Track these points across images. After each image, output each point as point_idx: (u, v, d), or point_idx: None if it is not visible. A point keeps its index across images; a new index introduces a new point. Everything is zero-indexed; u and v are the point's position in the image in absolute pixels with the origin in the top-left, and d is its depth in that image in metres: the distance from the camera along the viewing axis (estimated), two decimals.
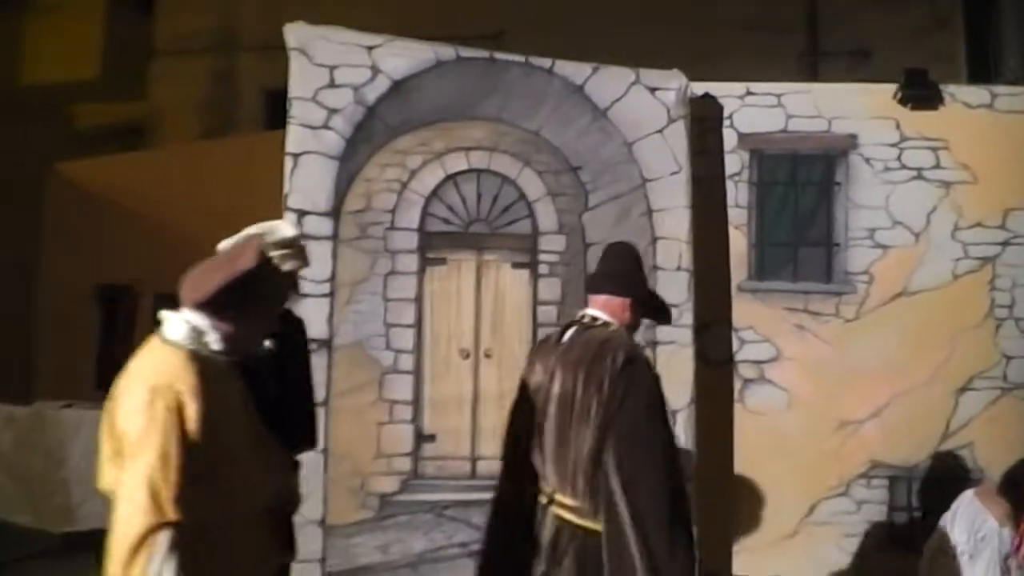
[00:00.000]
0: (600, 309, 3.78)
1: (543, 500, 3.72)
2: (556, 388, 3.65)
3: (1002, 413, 6.09)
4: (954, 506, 5.50)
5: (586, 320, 3.79)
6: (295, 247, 3.45)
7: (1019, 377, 6.12)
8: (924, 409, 5.96)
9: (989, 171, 6.15)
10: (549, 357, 3.78)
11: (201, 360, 2.83)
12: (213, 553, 2.74)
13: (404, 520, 5.54)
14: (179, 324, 2.90)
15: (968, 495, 5.47)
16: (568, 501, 3.61)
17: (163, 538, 2.59)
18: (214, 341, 2.92)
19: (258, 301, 3.00)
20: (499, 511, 4.00)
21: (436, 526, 5.58)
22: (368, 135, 5.56)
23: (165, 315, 2.92)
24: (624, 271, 3.83)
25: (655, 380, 3.58)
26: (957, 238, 6.14)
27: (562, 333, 3.83)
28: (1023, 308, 6.14)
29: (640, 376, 3.53)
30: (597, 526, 3.51)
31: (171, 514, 2.61)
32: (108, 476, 2.78)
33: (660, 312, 4.03)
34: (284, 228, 3.53)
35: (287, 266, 3.37)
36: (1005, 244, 6.15)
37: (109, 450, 2.80)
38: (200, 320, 2.90)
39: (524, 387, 3.87)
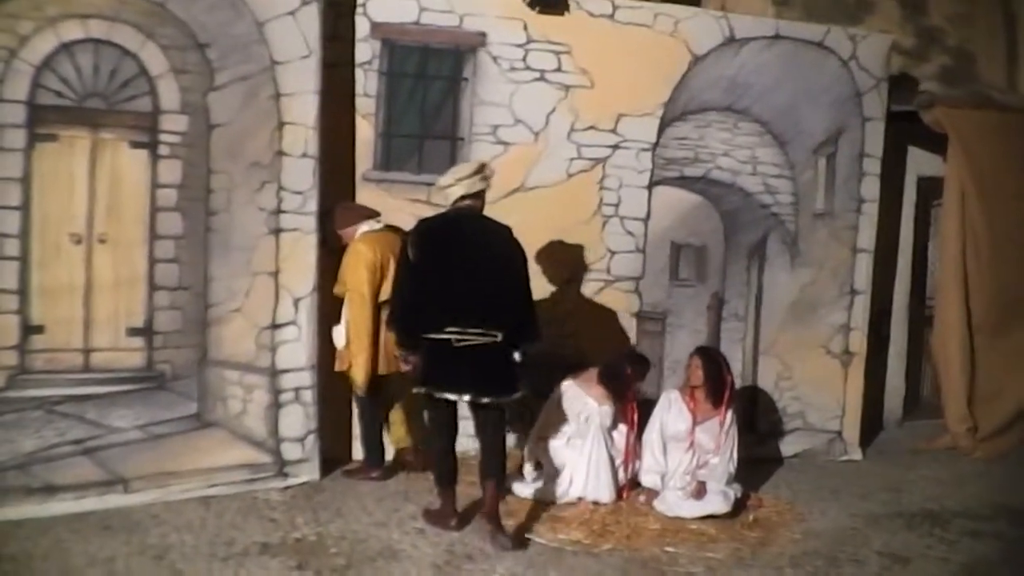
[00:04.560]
0: None
1: None
2: None
3: (604, 304, 6.65)
4: (554, 395, 5.96)
5: None
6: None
7: (621, 271, 6.68)
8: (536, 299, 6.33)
9: (605, 78, 6.52)
10: None
11: None
12: None
13: (11, 419, 5.19)
14: None
15: (567, 384, 5.91)
16: None
17: None
18: None
19: None
20: None
21: (47, 423, 5.28)
22: None
23: None
24: None
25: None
26: (572, 139, 6.51)
27: None
28: (628, 207, 6.66)
29: None
30: None
31: None
32: None
33: None
34: None
35: None
36: (615, 147, 6.61)
37: None
38: None
39: None
